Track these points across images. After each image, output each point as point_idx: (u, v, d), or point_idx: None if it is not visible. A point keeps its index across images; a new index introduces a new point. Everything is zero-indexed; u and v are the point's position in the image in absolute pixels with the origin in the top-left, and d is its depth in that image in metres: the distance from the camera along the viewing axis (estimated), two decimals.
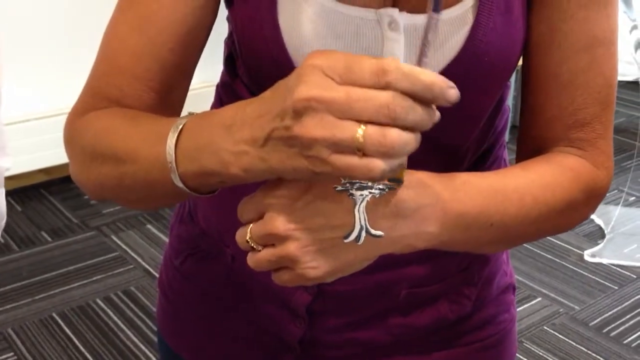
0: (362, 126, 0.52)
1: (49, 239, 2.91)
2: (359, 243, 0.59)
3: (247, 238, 0.61)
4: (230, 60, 0.81)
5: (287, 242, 0.59)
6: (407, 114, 0.52)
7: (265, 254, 0.60)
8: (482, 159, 0.82)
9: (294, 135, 0.53)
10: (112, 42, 0.74)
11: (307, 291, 0.81)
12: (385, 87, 0.52)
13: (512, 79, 3.26)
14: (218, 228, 0.85)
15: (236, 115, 0.58)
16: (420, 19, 0.70)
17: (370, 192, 0.59)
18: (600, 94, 0.73)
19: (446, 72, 0.70)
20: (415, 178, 0.62)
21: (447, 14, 0.70)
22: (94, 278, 2.67)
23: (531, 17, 0.73)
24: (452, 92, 0.53)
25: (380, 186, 0.59)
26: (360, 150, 0.52)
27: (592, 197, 0.74)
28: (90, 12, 2.98)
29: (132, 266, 2.74)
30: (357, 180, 0.58)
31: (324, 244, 0.59)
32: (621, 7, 2.82)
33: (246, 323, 0.87)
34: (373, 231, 0.59)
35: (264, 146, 0.56)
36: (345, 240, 0.59)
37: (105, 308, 2.51)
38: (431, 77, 0.53)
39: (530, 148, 0.76)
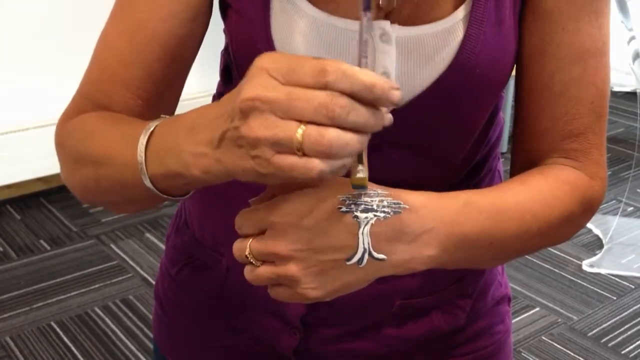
0: (303, 126, 0.52)
1: (48, 247, 2.91)
2: (361, 266, 0.60)
3: (247, 253, 0.61)
4: (226, 71, 0.82)
5: (289, 263, 0.59)
6: (347, 114, 0.51)
7: (265, 271, 0.60)
8: (476, 170, 0.82)
9: (241, 135, 0.53)
10: (103, 49, 0.75)
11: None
12: (325, 87, 0.52)
13: (510, 90, 3.26)
14: (213, 238, 0.86)
15: (198, 117, 0.59)
16: (412, 32, 0.70)
17: (375, 215, 0.59)
18: (593, 105, 0.73)
19: (438, 84, 0.70)
20: (420, 201, 0.62)
21: (437, 27, 0.70)
22: (93, 287, 2.67)
23: (523, 28, 0.73)
24: (394, 94, 0.53)
25: (386, 209, 0.59)
26: (299, 150, 0.52)
27: (588, 209, 0.74)
28: (88, 21, 2.99)
29: (130, 275, 2.74)
30: (362, 202, 0.59)
31: (325, 265, 0.59)
32: (618, 16, 2.82)
33: (240, 333, 0.87)
34: (376, 254, 0.60)
35: (218, 147, 0.56)
36: (348, 263, 0.60)
37: (104, 317, 2.50)
38: (371, 78, 0.52)
39: (524, 160, 0.76)
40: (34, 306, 2.54)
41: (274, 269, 0.60)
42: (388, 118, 0.54)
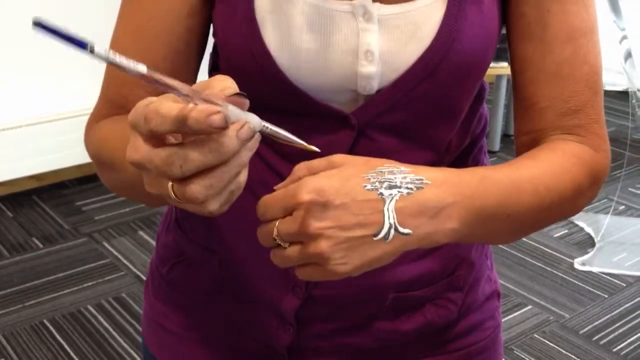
0: (170, 183, 0.55)
1: (40, 245, 2.90)
2: (388, 241, 0.61)
3: (275, 235, 0.62)
4: (214, 71, 0.83)
5: (319, 240, 0.60)
6: (180, 167, 0.53)
7: (294, 251, 0.61)
8: (461, 161, 0.83)
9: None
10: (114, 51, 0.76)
11: (296, 295, 0.81)
12: (151, 133, 0.54)
13: (504, 87, 3.27)
14: (204, 235, 0.86)
15: None
16: (393, 9, 0.71)
17: (399, 192, 0.61)
18: (589, 81, 0.75)
19: (421, 61, 0.72)
20: (440, 176, 0.64)
21: (418, 4, 0.72)
22: (85, 284, 2.66)
23: (510, 12, 0.75)
24: (214, 119, 0.51)
25: (409, 185, 0.62)
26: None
27: (595, 181, 0.76)
28: (84, 18, 2.98)
29: (123, 273, 2.74)
30: (386, 179, 0.61)
31: (354, 242, 0.61)
32: (610, 16, 2.84)
33: (233, 330, 0.87)
34: (401, 229, 0.61)
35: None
36: (375, 239, 0.61)
37: (97, 314, 2.50)
38: (177, 111, 0.52)
39: (527, 140, 0.78)
40: (27, 304, 2.54)
41: (303, 249, 0.61)
42: (241, 137, 0.54)
